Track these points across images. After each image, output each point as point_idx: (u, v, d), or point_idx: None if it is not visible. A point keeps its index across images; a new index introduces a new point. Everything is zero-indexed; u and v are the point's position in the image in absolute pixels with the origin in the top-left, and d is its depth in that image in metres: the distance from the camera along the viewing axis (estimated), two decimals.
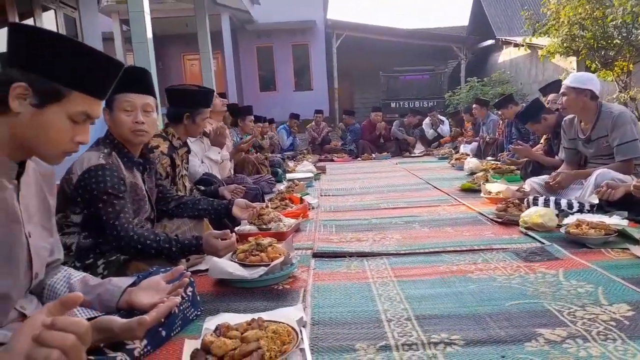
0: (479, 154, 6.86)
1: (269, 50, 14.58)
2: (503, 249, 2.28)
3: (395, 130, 8.74)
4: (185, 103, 2.60)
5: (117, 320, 1.20)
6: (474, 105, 7.45)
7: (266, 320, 1.37)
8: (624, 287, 1.69)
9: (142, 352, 1.34)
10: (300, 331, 1.37)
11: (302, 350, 1.29)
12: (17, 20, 5.53)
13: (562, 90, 3.07)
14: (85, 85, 1.13)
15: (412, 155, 8.28)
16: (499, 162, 5.40)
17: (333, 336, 1.45)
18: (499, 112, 6.26)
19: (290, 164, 6.59)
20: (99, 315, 1.28)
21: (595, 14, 6.90)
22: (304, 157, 7.44)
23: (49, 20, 6.22)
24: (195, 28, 8.40)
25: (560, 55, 7.88)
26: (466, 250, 2.29)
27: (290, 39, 14.44)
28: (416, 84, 13.77)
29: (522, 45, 8.52)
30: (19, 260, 1.15)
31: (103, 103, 1.22)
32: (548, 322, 1.46)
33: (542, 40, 8.21)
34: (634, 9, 6.46)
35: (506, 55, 13.23)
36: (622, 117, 2.88)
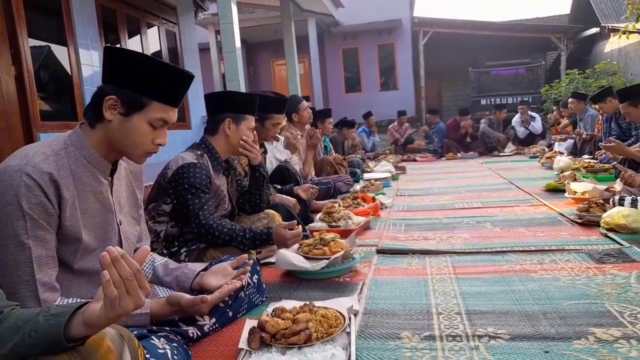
0: (575, 151, 6.41)
1: (355, 52, 14.71)
2: (576, 250, 2.19)
3: (485, 129, 8.38)
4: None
5: (184, 296, 1.40)
6: (569, 100, 6.94)
7: (317, 306, 1.50)
8: None
9: (211, 328, 1.54)
10: (350, 318, 1.47)
11: (348, 334, 1.39)
12: (127, 37, 6.22)
13: None
14: (162, 95, 1.34)
15: (501, 154, 7.92)
16: (594, 161, 5.03)
17: (381, 325, 1.53)
18: (596, 107, 5.79)
19: (371, 164, 6.64)
20: None
21: None
22: (385, 157, 7.45)
23: (153, 36, 6.90)
24: (283, 35, 8.81)
25: None
26: (535, 251, 2.23)
27: (376, 40, 14.44)
28: (510, 79, 13.05)
29: (624, 33, 7.68)
30: (112, 243, 1.39)
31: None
32: (605, 322, 1.42)
33: None
34: None
35: (614, 44, 12.03)
36: None
